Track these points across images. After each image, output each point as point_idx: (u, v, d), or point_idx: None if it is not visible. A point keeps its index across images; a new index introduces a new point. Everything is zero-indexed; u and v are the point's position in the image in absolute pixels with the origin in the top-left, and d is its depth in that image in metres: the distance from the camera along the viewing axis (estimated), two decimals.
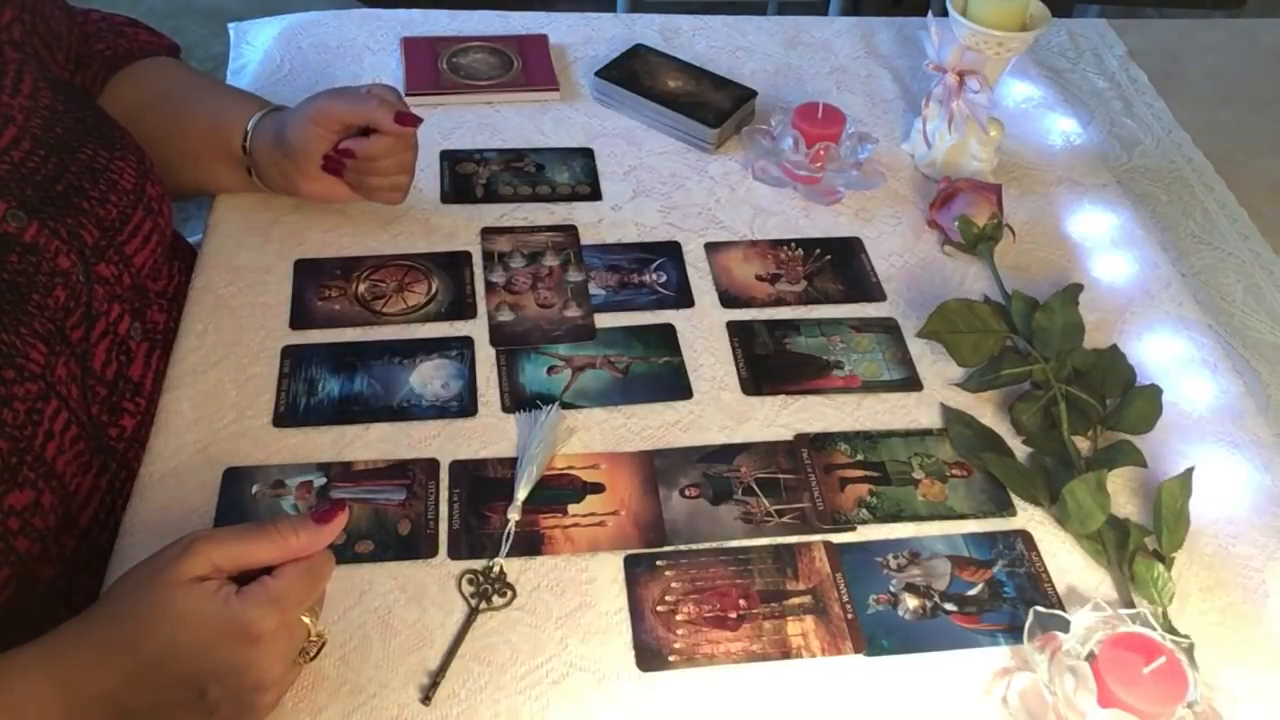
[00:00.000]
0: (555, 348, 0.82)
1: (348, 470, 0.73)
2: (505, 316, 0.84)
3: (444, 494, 0.72)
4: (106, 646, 0.55)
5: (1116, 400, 0.80)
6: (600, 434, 0.77)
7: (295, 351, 0.80)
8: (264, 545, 0.57)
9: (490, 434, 0.76)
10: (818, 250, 0.93)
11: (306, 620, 0.58)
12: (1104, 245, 0.96)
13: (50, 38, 0.83)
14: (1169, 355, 0.86)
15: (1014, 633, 0.67)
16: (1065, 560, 0.72)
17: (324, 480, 0.72)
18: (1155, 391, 0.80)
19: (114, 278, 0.75)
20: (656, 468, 0.75)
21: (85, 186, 0.74)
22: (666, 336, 0.84)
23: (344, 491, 0.71)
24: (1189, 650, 0.64)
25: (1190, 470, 0.72)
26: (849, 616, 0.67)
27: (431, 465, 0.73)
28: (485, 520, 0.71)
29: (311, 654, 0.59)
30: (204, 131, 0.88)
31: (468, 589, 0.67)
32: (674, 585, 0.68)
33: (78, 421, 0.69)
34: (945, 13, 0.93)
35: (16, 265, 0.67)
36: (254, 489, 0.71)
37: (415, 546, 0.69)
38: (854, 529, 0.72)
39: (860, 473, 0.76)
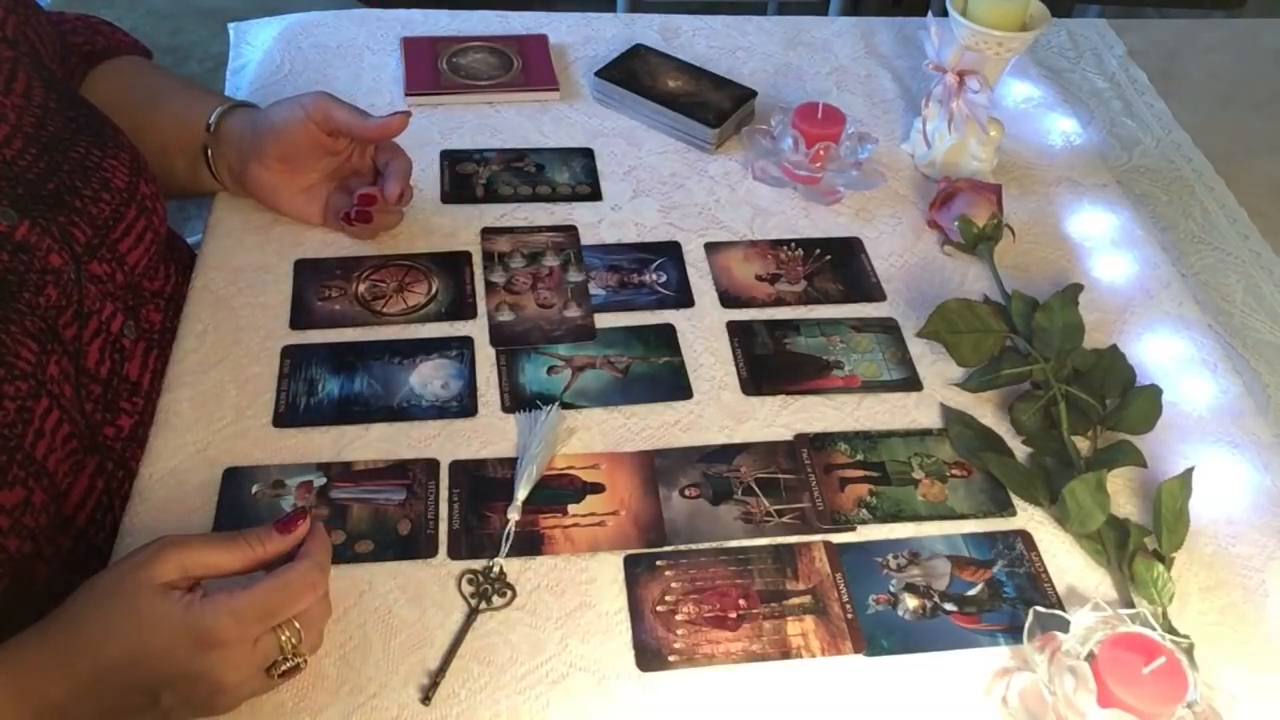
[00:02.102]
0: (555, 348, 0.82)
1: (348, 470, 0.73)
2: (505, 316, 0.84)
3: (444, 494, 0.72)
4: (69, 647, 0.55)
5: (1116, 400, 0.80)
6: (600, 434, 0.77)
7: (295, 351, 0.80)
8: (231, 553, 0.58)
9: (490, 434, 0.76)
10: (818, 250, 0.93)
11: (284, 636, 0.58)
12: (1104, 245, 0.96)
13: (38, 41, 0.83)
14: (1169, 355, 0.86)
15: (1014, 633, 0.67)
16: (1065, 560, 0.72)
17: (324, 480, 0.72)
18: (1155, 391, 0.80)
19: (107, 276, 0.75)
20: (656, 468, 0.75)
21: (77, 185, 0.74)
22: (666, 336, 0.84)
23: (344, 491, 0.72)
24: (1189, 650, 0.64)
25: (1190, 470, 0.72)
26: (849, 616, 0.67)
27: (431, 465, 0.73)
28: (485, 520, 0.71)
29: (282, 670, 0.58)
30: (172, 118, 0.88)
31: (468, 589, 0.67)
32: (674, 585, 0.68)
33: (70, 420, 0.69)
34: (945, 13, 0.93)
35: (7, 263, 0.67)
36: (254, 489, 0.71)
37: (415, 546, 0.69)
38: (854, 529, 0.72)
39: (860, 473, 0.76)
